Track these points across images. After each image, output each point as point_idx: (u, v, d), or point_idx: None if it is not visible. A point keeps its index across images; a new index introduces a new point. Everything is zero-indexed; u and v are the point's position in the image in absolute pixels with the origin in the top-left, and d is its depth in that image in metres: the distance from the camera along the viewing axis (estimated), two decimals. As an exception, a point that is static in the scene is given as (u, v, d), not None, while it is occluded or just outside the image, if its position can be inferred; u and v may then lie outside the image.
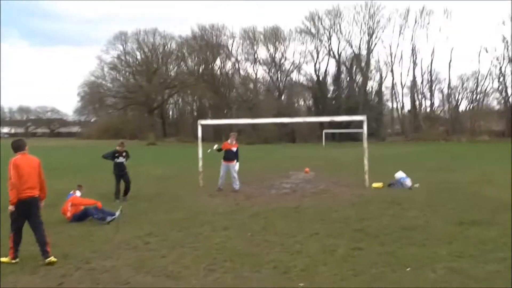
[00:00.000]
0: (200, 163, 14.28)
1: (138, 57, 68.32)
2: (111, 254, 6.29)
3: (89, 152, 34.49)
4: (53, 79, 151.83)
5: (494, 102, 63.24)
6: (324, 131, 55.27)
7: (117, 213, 8.70)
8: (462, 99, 64.97)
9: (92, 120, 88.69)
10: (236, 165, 13.01)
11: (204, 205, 10.57)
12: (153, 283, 5.11)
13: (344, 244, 6.58)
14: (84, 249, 6.56)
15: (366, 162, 13.54)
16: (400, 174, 13.47)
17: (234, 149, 13.08)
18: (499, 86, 59.65)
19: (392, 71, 65.73)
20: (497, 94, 60.88)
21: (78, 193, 9.29)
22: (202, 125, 14.63)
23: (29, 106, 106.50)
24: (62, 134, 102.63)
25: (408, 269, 5.36)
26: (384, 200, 10.68)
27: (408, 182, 13.09)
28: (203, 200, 11.40)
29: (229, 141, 13.18)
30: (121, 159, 11.37)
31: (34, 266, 5.76)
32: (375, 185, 13.16)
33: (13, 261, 5.85)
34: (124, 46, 66.97)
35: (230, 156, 12.98)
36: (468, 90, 63.70)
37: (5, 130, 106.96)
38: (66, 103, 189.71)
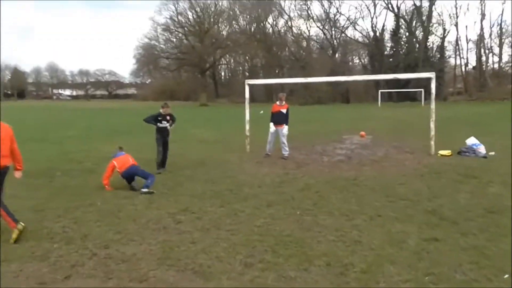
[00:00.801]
0: (247, 127, 13.17)
1: (190, 17, 67.11)
2: (135, 236, 5.37)
3: (143, 114, 34.44)
4: (111, 42, 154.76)
5: None
6: (380, 90, 52.42)
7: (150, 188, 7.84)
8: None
9: (147, 82, 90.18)
10: (285, 129, 11.78)
11: (250, 174, 9.51)
12: (176, 281, 4.11)
13: (415, 232, 5.27)
14: (108, 228, 5.70)
15: (432, 125, 11.83)
16: (472, 140, 11.69)
17: (284, 110, 11.79)
18: None
19: (456, 24, 60.66)
20: None
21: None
22: (250, 85, 13.41)
23: (88, 69, 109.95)
24: (119, 96, 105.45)
25: (506, 276, 4.01)
26: (457, 171, 9.12)
27: (482, 149, 11.33)
28: (249, 168, 10.34)
29: (277, 102, 11.88)
30: (164, 123, 9.96)
31: (46, 249, 4.95)
32: (442, 152, 11.51)
33: (19, 226, 5.15)
34: (176, 6, 65.96)
35: (279, 119, 11.73)
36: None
37: (67, 92, 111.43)
38: (123, 66, 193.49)
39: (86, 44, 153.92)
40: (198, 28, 65.94)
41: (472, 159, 10.71)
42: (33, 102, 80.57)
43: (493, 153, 11.23)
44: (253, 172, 9.70)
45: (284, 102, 11.83)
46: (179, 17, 66.22)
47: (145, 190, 7.70)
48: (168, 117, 10.08)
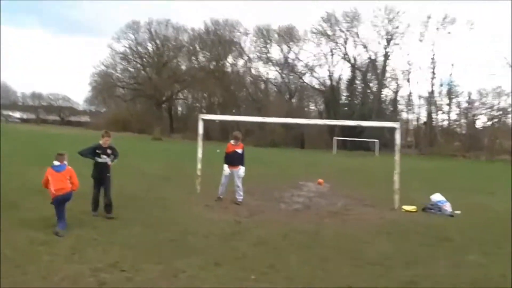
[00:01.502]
0: (199, 165, 12.01)
1: (149, 48, 66.13)
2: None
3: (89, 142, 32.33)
4: (67, 68, 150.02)
5: (513, 120, 60.25)
6: (335, 138, 52.93)
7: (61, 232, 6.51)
8: (479, 114, 62.17)
9: (102, 111, 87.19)
10: (241, 170, 10.76)
11: (197, 220, 8.31)
12: None
13: (396, 313, 4.29)
14: (9, 282, 4.33)
15: (396, 178, 11.16)
16: (437, 197, 11.10)
17: (240, 150, 10.80)
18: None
19: (408, 80, 62.95)
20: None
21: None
22: (205, 121, 12.39)
23: (41, 92, 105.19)
24: (72, 123, 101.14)
25: None
26: (427, 232, 8.33)
27: (448, 207, 10.74)
28: (197, 212, 9.14)
29: (232, 141, 10.88)
30: (104, 158, 8.17)
31: None
32: (407, 208, 10.82)
33: None
34: (136, 36, 64.85)
35: (234, 159, 10.71)
36: (487, 106, 60.87)
37: (17, 115, 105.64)
38: (78, 92, 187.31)
39: (41, 67, 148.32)
40: (157, 60, 64.93)
41: (439, 217, 10.04)
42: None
43: (458, 212, 10.64)
44: (201, 218, 8.51)
45: (239, 142, 10.85)
46: (138, 47, 65.07)
47: (58, 229, 6.43)
48: (109, 151, 8.30)
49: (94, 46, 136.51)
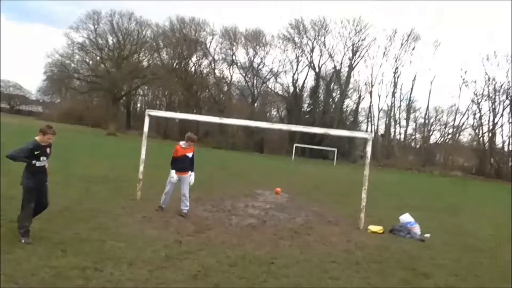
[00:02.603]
0: (141, 168, 10.28)
1: (110, 41, 63.05)
2: None
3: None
4: (19, 55, 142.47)
5: (466, 137, 61.56)
6: (295, 144, 52.10)
7: None
8: (434, 130, 63.22)
9: (56, 102, 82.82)
10: (191, 177, 9.18)
11: (127, 237, 6.64)
12: None
13: None
14: None
15: (364, 195, 9.87)
16: (406, 218, 9.88)
17: (190, 154, 9.21)
18: (474, 123, 58.00)
19: (371, 92, 63.20)
20: (471, 130, 59.14)
21: None
22: (152, 117, 10.71)
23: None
24: (22, 112, 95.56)
25: None
26: (401, 262, 7.02)
27: (417, 229, 9.56)
28: (130, 226, 7.46)
29: (182, 143, 9.25)
30: (43, 160, 5.96)
31: None
32: (373, 228, 9.54)
33: None
34: (96, 27, 61.61)
35: (183, 164, 9.08)
36: (440, 123, 62.00)
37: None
38: (31, 81, 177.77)
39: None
40: (117, 54, 62.01)
41: (408, 241, 8.79)
42: None
43: (428, 235, 9.48)
44: (133, 235, 6.84)
45: (191, 144, 9.25)
46: (98, 39, 61.84)
47: None
48: (48, 150, 6.09)
49: (51, 34, 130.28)
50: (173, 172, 9.02)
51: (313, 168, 35.48)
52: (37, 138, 5.97)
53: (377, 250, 7.68)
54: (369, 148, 9.87)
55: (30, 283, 4.43)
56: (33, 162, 5.83)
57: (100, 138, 42.09)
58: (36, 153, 5.85)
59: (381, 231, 9.47)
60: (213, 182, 15.35)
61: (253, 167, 27.92)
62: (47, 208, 6.21)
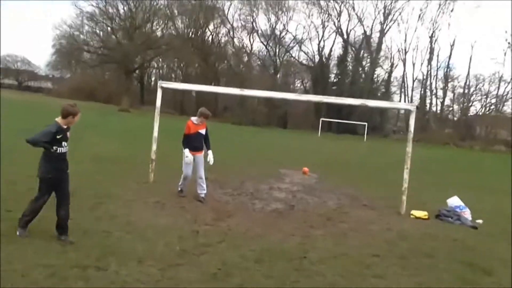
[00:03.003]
0: (154, 147, 9.81)
1: (121, 10, 62.41)
2: None
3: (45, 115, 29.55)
4: (27, 28, 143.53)
5: (510, 108, 59.23)
6: (322, 119, 51.23)
7: None
8: (474, 101, 61.02)
9: (66, 77, 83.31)
10: (209, 157, 8.66)
11: (136, 228, 6.19)
12: None
13: None
14: None
15: (406, 176, 9.20)
16: (455, 201, 9.22)
17: (203, 131, 8.67)
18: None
19: (404, 60, 61.33)
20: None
21: None
22: (165, 89, 10.16)
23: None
24: (31, 88, 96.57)
25: None
26: (451, 252, 6.38)
27: (468, 214, 8.91)
28: (141, 213, 7.02)
29: (194, 119, 8.68)
30: (64, 146, 5.39)
31: None
32: (417, 213, 8.89)
33: None
34: (106, -7, 61.01)
35: (196, 142, 8.55)
36: (482, 93, 59.69)
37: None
38: (40, 55, 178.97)
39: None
40: (129, 24, 61.39)
41: (459, 229, 8.12)
42: None
43: (480, 221, 8.79)
44: (143, 224, 6.39)
45: (204, 121, 8.68)
46: (108, 7, 61.28)
47: None
48: (69, 134, 5.54)
49: (58, 4, 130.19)
50: (187, 151, 8.48)
51: (342, 144, 34.78)
52: (57, 119, 5.35)
53: (424, 240, 7.07)
54: (412, 122, 9.20)
55: (20, 286, 4.00)
56: (55, 148, 5.27)
57: (111, 115, 42.09)
58: (58, 137, 5.27)
59: (426, 217, 8.82)
60: (232, 161, 14.87)
61: (277, 144, 27.40)
62: (69, 203, 5.56)
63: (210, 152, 8.73)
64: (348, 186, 12.10)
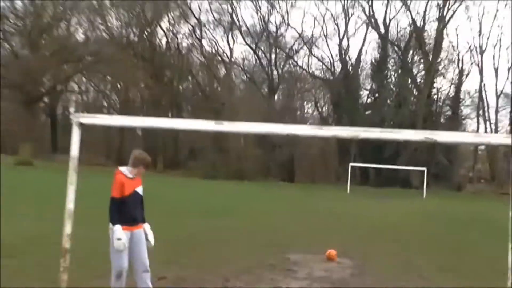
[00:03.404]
0: (68, 229, 9.23)
1: (19, 2, 63.52)
2: None
3: None
4: None
5: None
6: (351, 164, 51.34)
7: None
8: None
9: None
10: (150, 236, 8.40)
11: None
12: None
13: None
14: None
15: None
16: None
17: (140, 190, 8.39)
18: None
19: (481, 64, 62.40)
20: None
21: None
22: (86, 126, 9.75)
23: None
24: None
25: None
26: None
27: None
28: None
29: (125, 170, 8.32)
30: None
31: None
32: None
33: None
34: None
35: (134, 210, 8.23)
36: None
37: None
38: None
39: None
40: (32, 24, 61.98)
41: None
42: None
43: None
44: None
45: (142, 171, 8.41)
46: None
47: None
48: None
49: None
50: (118, 229, 7.92)
51: (389, 204, 34.68)
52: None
53: None
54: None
55: None
56: None
57: (4, 171, 41.81)
58: None
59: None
60: (206, 242, 14.48)
61: (279, 209, 27.49)
62: None
63: (146, 226, 8.45)
64: (408, 279, 11.71)
